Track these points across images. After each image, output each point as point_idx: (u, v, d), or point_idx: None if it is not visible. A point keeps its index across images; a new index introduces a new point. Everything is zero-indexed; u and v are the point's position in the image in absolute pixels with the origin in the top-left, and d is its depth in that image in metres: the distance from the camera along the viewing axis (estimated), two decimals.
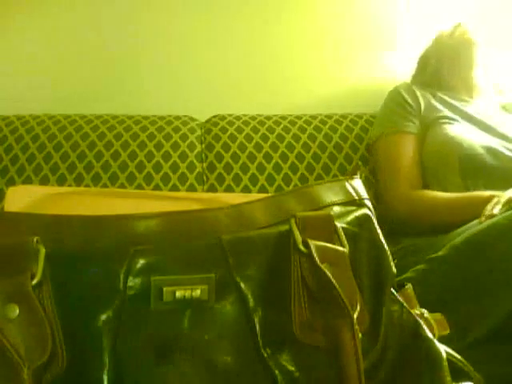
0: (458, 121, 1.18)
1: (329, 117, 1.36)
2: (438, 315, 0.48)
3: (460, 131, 1.15)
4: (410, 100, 1.23)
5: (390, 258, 0.46)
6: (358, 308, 0.39)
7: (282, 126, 1.32)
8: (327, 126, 1.33)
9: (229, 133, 1.30)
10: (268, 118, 1.35)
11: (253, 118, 1.35)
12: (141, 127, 1.28)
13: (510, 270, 0.73)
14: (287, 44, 1.55)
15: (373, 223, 0.47)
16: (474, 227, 0.84)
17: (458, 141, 1.11)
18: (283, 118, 1.35)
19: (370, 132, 1.30)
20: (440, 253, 0.82)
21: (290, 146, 1.28)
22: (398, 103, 1.25)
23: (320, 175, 1.25)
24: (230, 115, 1.36)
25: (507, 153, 1.09)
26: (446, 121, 1.18)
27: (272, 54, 1.54)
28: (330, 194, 0.48)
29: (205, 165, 1.26)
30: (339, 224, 0.44)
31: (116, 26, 1.48)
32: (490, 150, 1.10)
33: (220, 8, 1.52)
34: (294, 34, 1.55)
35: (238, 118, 1.35)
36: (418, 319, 0.45)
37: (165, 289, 0.38)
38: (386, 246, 0.46)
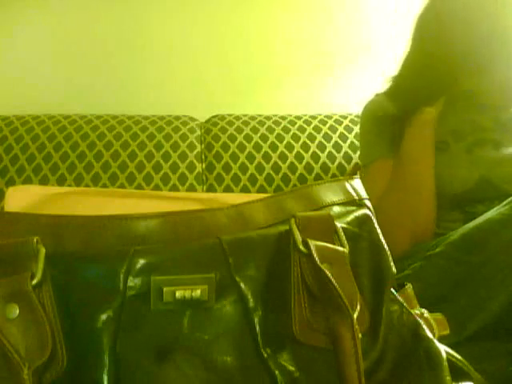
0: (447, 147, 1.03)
1: (328, 117, 1.36)
2: (438, 315, 0.48)
3: (447, 165, 1.01)
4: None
5: (390, 258, 0.46)
6: (358, 308, 0.39)
7: (281, 126, 1.32)
8: (327, 126, 1.33)
9: (228, 133, 1.30)
10: (267, 118, 1.35)
11: (252, 117, 1.35)
12: (141, 127, 1.28)
13: (503, 263, 0.74)
14: (287, 44, 1.55)
15: (373, 223, 0.47)
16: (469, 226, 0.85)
17: (448, 180, 0.99)
18: (283, 118, 1.35)
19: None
20: (437, 249, 0.83)
21: (289, 146, 1.28)
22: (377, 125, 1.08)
23: (319, 175, 1.25)
24: (229, 115, 1.36)
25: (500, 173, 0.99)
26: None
27: (272, 54, 1.54)
28: (329, 194, 0.48)
29: (204, 165, 1.26)
30: (339, 224, 0.44)
31: (115, 26, 1.48)
32: (483, 180, 0.98)
33: (220, 8, 1.53)
34: (294, 34, 1.55)
35: (237, 118, 1.35)
36: (418, 319, 0.45)
37: (165, 289, 0.38)
38: (385, 245, 0.46)
